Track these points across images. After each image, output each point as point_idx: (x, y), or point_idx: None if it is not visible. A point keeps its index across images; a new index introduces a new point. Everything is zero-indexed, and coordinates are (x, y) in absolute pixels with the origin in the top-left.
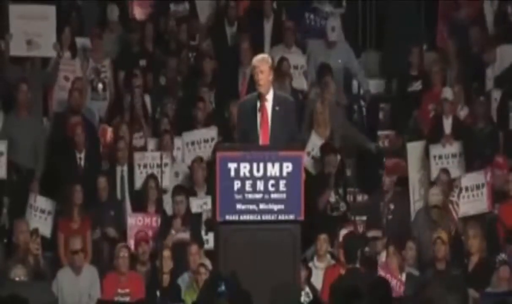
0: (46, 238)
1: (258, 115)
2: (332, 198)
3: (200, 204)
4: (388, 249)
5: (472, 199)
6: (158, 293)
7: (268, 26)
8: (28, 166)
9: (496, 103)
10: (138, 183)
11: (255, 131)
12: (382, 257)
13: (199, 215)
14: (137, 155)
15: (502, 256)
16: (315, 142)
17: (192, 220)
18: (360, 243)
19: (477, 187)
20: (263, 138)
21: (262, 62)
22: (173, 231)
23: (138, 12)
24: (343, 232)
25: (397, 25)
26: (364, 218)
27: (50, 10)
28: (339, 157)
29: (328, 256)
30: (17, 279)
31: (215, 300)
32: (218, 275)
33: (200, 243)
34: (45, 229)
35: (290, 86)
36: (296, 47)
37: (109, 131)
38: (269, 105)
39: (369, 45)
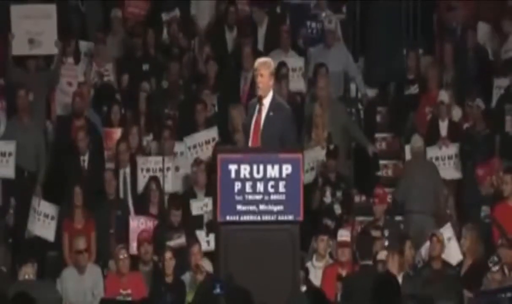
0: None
1: (254, 117)
2: (328, 199)
3: (200, 206)
4: (388, 249)
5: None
6: (163, 289)
7: (261, 32)
8: (30, 169)
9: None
10: (141, 187)
11: (250, 132)
12: (380, 256)
13: (199, 217)
14: (139, 160)
15: (495, 258)
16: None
17: (188, 222)
18: (372, 241)
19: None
20: (253, 141)
21: (263, 66)
22: (169, 243)
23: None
24: (341, 232)
25: (380, 31)
26: (362, 218)
27: (51, 9)
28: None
29: (327, 256)
30: (26, 277)
31: (212, 302)
32: (213, 277)
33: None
34: (49, 234)
35: (286, 89)
36: (292, 50)
37: (114, 133)
38: (265, 109)
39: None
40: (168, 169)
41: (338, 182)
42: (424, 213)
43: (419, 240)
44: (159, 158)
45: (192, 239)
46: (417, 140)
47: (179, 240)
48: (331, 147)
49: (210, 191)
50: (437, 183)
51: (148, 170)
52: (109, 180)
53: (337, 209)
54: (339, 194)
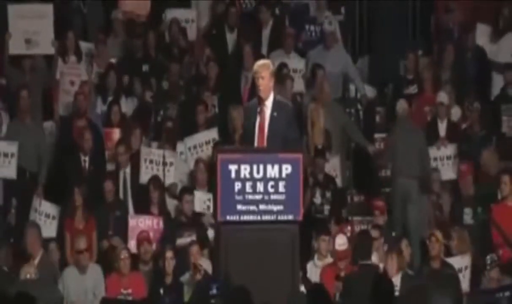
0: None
1: (257, 119)
2: (318, 200)
3: (204, 200)
4: (386, 249)
5: None
6: (161, 291)
7: (266, 33)
8: (32, 169)
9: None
10: (143, 178)
11: (253, 134)
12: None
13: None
14: (143, 150)
15: (493, 257)
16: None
17: (198, 221)
18: (371, 240)
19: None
20: (259, 143)
21: (263, 67)
22: (179, 240)
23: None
24: (339, 241)
25: (385, 32)
26: (360, 218)
27: (48, 9)
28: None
29: (329, 255)
30: (28, 276)
31: (208, 302)
32: (210, 278)
33: (206, 243)
34: (50, 233)
35: (291, 90)
36: (294, 52)
37: (114, 134)
38: (267, 110)
39: (366, 51)
40: (171, 164)
41: (326, 182)
42: (410, 177)
43: (405, 204)
44: (161, 151)
45: (200, 239)
46: (401, 104)
47: (189, 239)
48: (319, 146)
49: (211, 190)
50: (422, 147)
51: (151, 161)
52: (107, 185)
53: (327, 210)
54: (328, 194)
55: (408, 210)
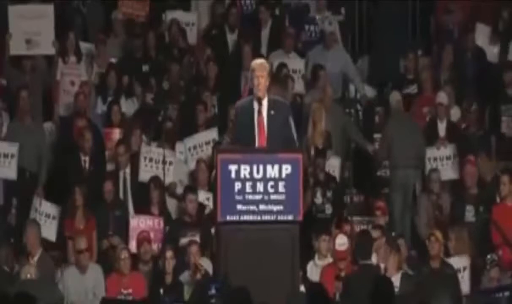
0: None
1: (255, 119)
2: (319, 200)
3: (203, 198)
4: (385, 248)
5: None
6: (161, 291)
7: (265, 32)
8: (32, 170)
9: None
10: (143, 176)
11: (251, 134)
12: (378, 256)
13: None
14: (143, 148)
15: (493, 256)
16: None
17: (204, 221)
18: (372, 240)
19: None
20: (260, 142)
21: (261, 67)
22: (182, 239)
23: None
24: (339, 241)
25: (385, 32)
26: (360, 218)
27: (48, 9)
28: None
29: (329, 255)
30: (28, 276)
31: (207, 302)
32: (210, 278)
33: (209, 243)
34: (50, 233)
35: (291, 91)
36: (294, 52)
37: (114, 134)
38: (264, 109)
39: (366, 51)
40: (171, 163)
41: (327, 182)
42: (408, 166)
43: (405, 193)
44: (161, 150)
45: (205, 240)
46: (395, 96)
47: (192, 238)
48: (320, 146)
49: (212, 190)
50: (418, 137)
51: (151, 159)
52: (107, 185)
53: (328, 209)
54: (329, 194)
55: (406, 203)
